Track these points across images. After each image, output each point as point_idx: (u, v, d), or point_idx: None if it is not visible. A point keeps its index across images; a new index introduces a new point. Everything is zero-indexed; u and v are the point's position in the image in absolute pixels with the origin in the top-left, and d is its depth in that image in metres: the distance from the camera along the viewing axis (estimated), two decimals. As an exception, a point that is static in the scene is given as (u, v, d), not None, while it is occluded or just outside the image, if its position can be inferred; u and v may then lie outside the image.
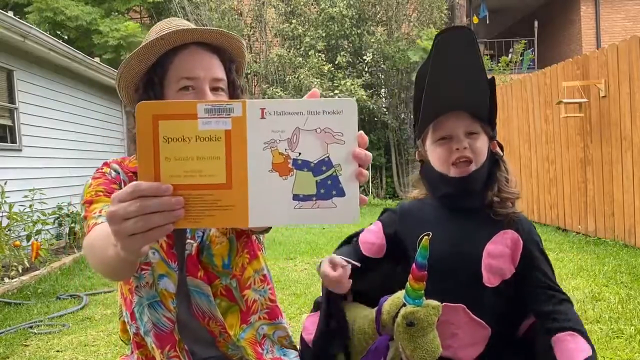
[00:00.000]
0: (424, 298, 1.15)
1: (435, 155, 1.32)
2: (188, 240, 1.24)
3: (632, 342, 2.81)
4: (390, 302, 1.21)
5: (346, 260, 1.27)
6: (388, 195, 11.64)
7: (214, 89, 1.20)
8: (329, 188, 0.75)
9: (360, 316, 1.33)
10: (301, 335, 1.46)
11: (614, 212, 5.39)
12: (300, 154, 0.74)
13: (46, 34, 7.15)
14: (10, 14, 6.40)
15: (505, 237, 1.28)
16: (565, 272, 4.37)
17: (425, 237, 1.12)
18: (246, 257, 1.32)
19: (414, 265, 1.14)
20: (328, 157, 0.75)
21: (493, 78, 1.28)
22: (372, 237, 1.41)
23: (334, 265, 1.24)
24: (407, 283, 1.16)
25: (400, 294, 1.20)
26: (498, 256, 1.27)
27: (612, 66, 5.31)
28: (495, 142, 1.34)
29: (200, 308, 1.26)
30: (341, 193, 0.76)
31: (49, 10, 11.16)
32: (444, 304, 1.23)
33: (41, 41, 6.77)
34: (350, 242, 1.47)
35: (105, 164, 1.27)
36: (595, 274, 4.23)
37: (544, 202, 6.93)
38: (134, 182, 0.74)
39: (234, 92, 1.25)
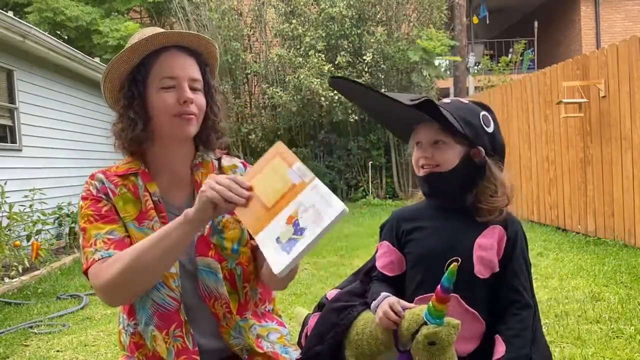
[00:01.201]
0: (445, 317, 1.19)
1: (412, 158, 1.45)
2: None
3: (632, 342, 2.81)
4: (409, 319, 1.23)
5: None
6: (388, 195, 11.63)
7: (192, 89, 1.32)
8: (289, 245, 1.04)
9: (373, 321, 1.34)
10: (306, 333, 1.49)
11: (613, 212, 5.39)
12: (300, 218, 1.06)
13: (46, 34, 7.15)
14: (10, 14, 6.41)
15: (494, 232, 1.37)
16: (565, 272, 4.37)
17: (454, 263, 1.18)
18: (249, 251, 1.39)
19: (438, 287, 1.18)
20: (305, 229, 1.04)
21: (427, 98, 1.33)
22: (387, 257, 1.45)
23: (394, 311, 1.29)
24: (430, 302, 1.19)
25: (419, 310, 1.23)
26: (488, 248, 1.35)
27: (612, 66, 5.32)
28: (477, 149, 1.38)
29: (207, 288, 1.32)
30: (289, 251, 1.04)
31: (49, 11, 11.15)
32: None
33: (41, 41, 6.77)
34: (365, 279, 1.52)
35: (91, 176, 1.36)
36: (595, 274, 4.23)
37: (543, 202, 6.94)
38: (234, 176, 1.14)
39: (209, 91, 1.37)
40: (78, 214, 1.33)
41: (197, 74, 1.33)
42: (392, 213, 1.53)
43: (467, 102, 1.44)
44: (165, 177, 1.36)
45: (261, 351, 1.35)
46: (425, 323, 1.19)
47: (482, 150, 1.38)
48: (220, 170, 1.42)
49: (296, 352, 1.45)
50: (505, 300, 1.35)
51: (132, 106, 1.29)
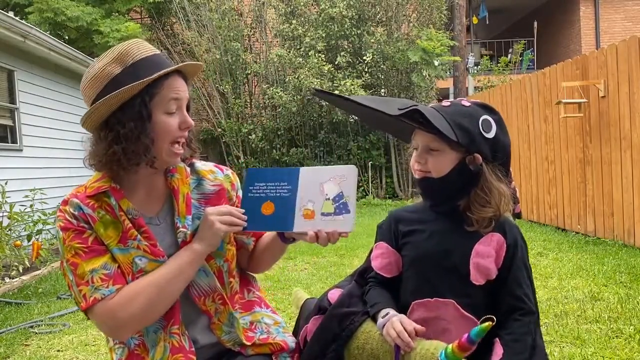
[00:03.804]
0: None
1: (411, 159, 1.44)
2: (180, 229, 1.34)
3: (632, 342, 2.82)
4: (422, 355, 1.22)
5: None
6: (388, 196, 11.63)
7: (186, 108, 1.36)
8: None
9: (375, 338, 1.34)
10: (305, 337, 1.48)
11: (613, 212, 5.40)
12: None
13: (46, 34, 7.16)
14: (11, 14, 6.41)
15: (493, 240, 1.35)
16: (564, 272, 4.38)
17: (489, 322, 1.16)
18: (233, 248, 1.44)
19: (465, 336, 1.17)
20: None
21: (415, 108, 1.31)
22: (385, 258, 1.45)
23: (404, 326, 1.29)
24: (450, 346, 1.18)
25: (433, 349, 1.22)
26: (486, 256, 1.33)
27: (611, 66, 5.32)
28: (473, 156, 1.35)
29: (197, 287, 1.35)
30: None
31: (50, 11, 11.15)
32: (434, 299, 1.32)
33: (41, 41, 6.78)
34: (360, 280, 1.52)
35: (64, 202, 1.31)
36: (594, 273, 4.24)
37: (543, 202, 6.95)
38: (230, 207, 1.34)
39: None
40: (61, 245, 1.28)
41: (188, 95, 1.35)
42: (389, 213, 1.52)
43: (468, 104, 1.39)
44: (141, 190, 1.35)
45: (249, 343, 1.39)
46: None
47: (479, 157, 1.35)
48: (197, 174, 1.42)
49: (292, 338, 1.48)
50: (507, 307, 1.33)
51: (144, 129, 1.25)
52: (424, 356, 1.21)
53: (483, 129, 1.34)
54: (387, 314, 1.34)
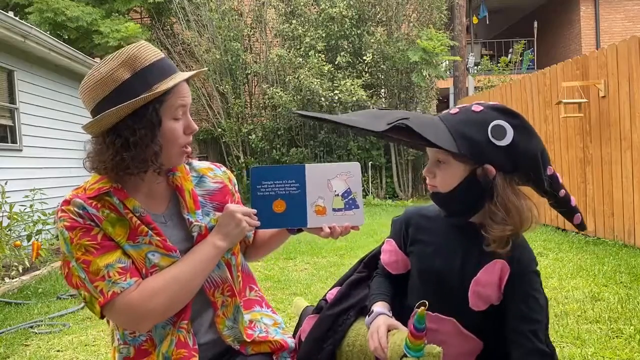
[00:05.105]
0: (424, 348, 1.18)
1: None
2: (194, 224, 1.35)
3: (632, 342, 2.82)
4: (391, 349, 1.23)
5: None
6: (388, 196, 11.63)
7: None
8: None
9: (363, 335, 1.37)
10: (299, 336, 1.48)
11: (613, 212, 5.40)
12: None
13: (46, 34, 7.16)
14: (11, 14, 6.41)
15: (496, 267, 1.25)
16: (564, 272, 4.38)
17: (422, 307, 1.14)
18: (238, 244, 1.46)
19: (411, 326, 1.16)
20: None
21: (400, 123, 1.20)
22: (393, 256, 1.45)
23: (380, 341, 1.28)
24: (406, 337, 1.19)
25: (400, 341, 1.23)
26: (487, 285, 1.25)
27: (611, 66, 5.32)
28: (483, 168, 1.22)
29: (210, 278, 1.37)
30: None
31: (50, 11, 11.15)
32: (435, 314, 1.28)
33: (41, 41, 6.78)
34: (371, 263, 1.54)
35: (66, 202, 1.28)
36: (594, 274, 4.24)
37: (543, 201, 6.92)
38: (247, 208, 1.35)
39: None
40: (67, 244, 1.24)
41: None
42: (405, 210, 1.46)
43: (480, 109, 1.24)
44: (143, 191, 1.35)
45: (249, 340, 1.40)
46: (405, 355, 1.19)
47: (491, 168, 1.22)
48: (197, 171, 1.45)
49: (292, 339, 1.49)
50: (511, 341, 1.22)
51: (155, 136, 1.24)
52: (393, 350, 1.24)
53: (493, 137, 1.20)
54: (372, 312, 1.35)
